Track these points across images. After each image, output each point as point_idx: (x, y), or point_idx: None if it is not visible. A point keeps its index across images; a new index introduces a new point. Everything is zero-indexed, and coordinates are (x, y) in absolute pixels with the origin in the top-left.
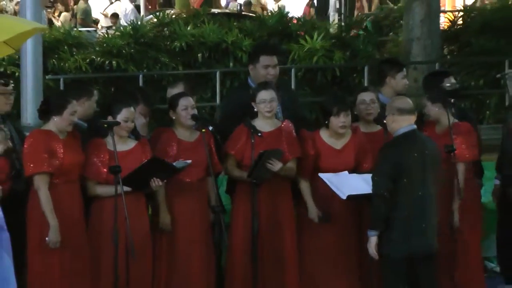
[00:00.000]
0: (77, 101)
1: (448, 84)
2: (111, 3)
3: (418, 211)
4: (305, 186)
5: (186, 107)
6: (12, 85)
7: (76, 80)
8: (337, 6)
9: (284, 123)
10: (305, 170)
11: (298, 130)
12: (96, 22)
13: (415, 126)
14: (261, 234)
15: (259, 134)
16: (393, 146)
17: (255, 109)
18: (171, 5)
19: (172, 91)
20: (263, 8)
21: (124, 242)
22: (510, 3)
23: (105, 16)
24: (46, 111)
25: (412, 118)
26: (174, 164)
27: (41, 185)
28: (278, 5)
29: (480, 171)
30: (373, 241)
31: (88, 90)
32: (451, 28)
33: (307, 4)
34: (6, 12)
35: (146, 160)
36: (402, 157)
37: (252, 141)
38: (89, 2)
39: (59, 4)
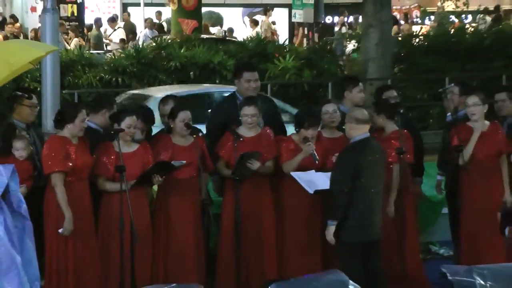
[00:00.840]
0: (99, 112)
1: (384, 97)
2: (114, 30)
3: (370, 205)
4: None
5: (184, 119)
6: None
7: (100, 94)
8: (306, 32)
9: (266, 130)
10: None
11: (277, 134)
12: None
13: (369, 134)
14: (244, 222)
15: (241, 139)
16: (352, 151)
17: (240, 118)
18: (164, 32)
19: (164, 108)
20: (273, 33)
21: (129, 230)
22: (449, 29)
23: (110, 41)
24: (60, 120)
25: (367, 127)
26: (172, 163)
27: (57, 182)
28: (256, 31)
29: (421, 170)
30: (331, 229)
31: (109, 103)
32: (401, 50)
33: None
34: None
35: (151, 166)
36: (359, 160)
37: (235, 145)
38: (100, 29)
39: (70, 32)
